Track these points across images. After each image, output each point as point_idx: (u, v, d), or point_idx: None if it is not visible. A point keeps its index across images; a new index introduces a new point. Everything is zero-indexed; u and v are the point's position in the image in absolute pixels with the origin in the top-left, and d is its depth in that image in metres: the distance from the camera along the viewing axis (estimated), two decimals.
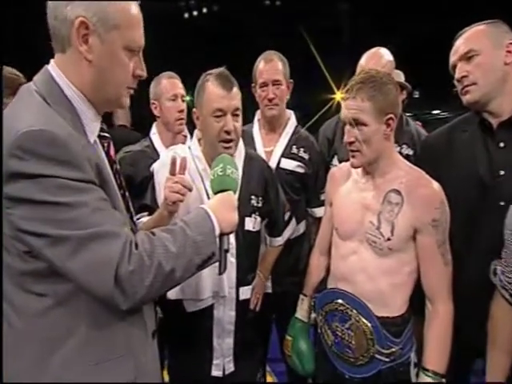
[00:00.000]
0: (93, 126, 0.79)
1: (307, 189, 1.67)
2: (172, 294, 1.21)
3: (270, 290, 1.60)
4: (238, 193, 1.23)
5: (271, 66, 1.57)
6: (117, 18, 0.74)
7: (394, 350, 1.04)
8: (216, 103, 1.14)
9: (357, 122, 1.03)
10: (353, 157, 1.08)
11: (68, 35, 0.72)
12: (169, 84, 1.63)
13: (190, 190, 1.03)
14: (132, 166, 1.51)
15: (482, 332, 1.03)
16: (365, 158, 1.06)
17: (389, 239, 1.03)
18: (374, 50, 1.65)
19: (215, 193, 0.94)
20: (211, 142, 1.19)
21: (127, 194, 0.91)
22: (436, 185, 1.04)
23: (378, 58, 1.60)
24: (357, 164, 1.09)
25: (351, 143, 1.06)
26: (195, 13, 5.72)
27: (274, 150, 1.63)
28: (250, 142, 1.64)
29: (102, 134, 0.84)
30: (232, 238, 1.22)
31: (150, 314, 0.88)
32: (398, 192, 1.05)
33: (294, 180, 1.62)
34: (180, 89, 1.65)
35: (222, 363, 1.27)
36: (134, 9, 0.78)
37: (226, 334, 1.26)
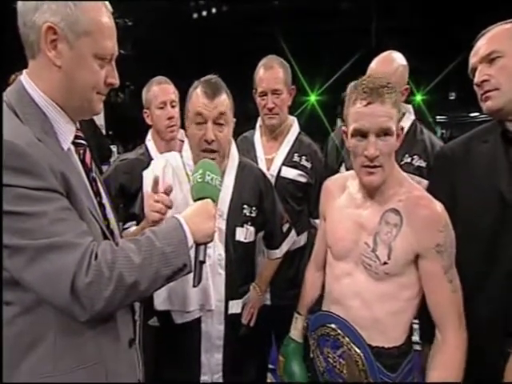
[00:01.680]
0: (66, 134, 0.78)
1: (310, 199, 1.59)
2: (160, 305, 1.18)
3: (268, 302, 1.54)
4: (228, 201, 1.21)
5: (271, 74, 1.51)
6: (87, 24, 0.73)
7: None
8: (197, 108, 1.12)
9: (386, 132, 0.88)
10: (371, 173, 0.92)
11: (37, 41, 0.72)
12: (158, 91, 1.59)
13: (170, 207, 0.98)
14: (127, 175, 1.50)
15: (498, 368, 0.91)
16: (385, 175, 0.92)
17: (385, 263, 0.92)
18: (385, 53, 1.53)
19: (194, 200, 0.90)
20: (195, 151, 1.16)
21: (105, 201, 0.89)
22: (439, 205, 0.92)
23: (390, 62, 1.48)
24: (379, 182, 0.93)
25: (375, 158, 0.90)
26: (204, 13, 5.77)
27: (274, 157, 1.57)
28: (250, 149, 1.61)
29: (78, 141, 0.83)
30: (221, 249, 1.19)
31: (125, 321, 0.85)
32: (396, 212, 0.94)
33: (296, 189, 1.55)
34: (170, 94, 1.60)
35: (211, 379, 1.22)
36: (106, 17, 0.77)
37: (214, 349, 1.21)
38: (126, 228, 1.31)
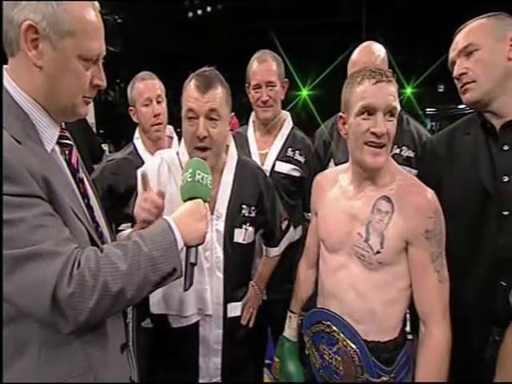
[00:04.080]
0: (49, 134, 0.75)
1: (304, 193, 1.58)
2: (155, 308, 1.16)
3: (264, 297, 1.53)
4: (227, 202, 1.17)
5: (265, 67, 1.50)
6: (70, 24, 0.69)
7: (385, 379, 0.93)
8: (189, 103, 1.07)
9: (391, 112, 0.90)
10: (377, 154, 0.91)
11: (16, 39, 0.69)
12: (142, 87, 1.54)
13: (161, 209, 0.94)
14: (114, 175, 1.47)
15: (483, 356, 0.93)
16: (386, 157, 0.93)
17: (378, 252, 0.92)
18: (365, 44, 1.54)
19: (184, 200, 0.88)
20: (188, 148, 1.13)
21: (93, 202, 0.86)
22: (430, 193, 0.93)
23: (371, 53, 1.50)
24: (382, 163, 0.93)
25: (383, 135, 0.90)
26: (199, 12, 5.73)
27: (268, 152, 1.56)
28: (244, 144, 1.59)
29: (63, 141, 0.80)
30: (220, 251, 1.16)
31: (116, 326, 0.83)
32: (388, 199, 0.94)
33: (290, 184, 1.55)
34: (154, 90, 1.54)
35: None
36: (92, 15, 0.73)
37: (212, 353, 1.18)
38: (121, 230, 1.28)
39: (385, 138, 0.90)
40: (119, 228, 1.31)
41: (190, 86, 1.09)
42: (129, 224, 1.22)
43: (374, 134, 0.90)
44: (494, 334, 0.99)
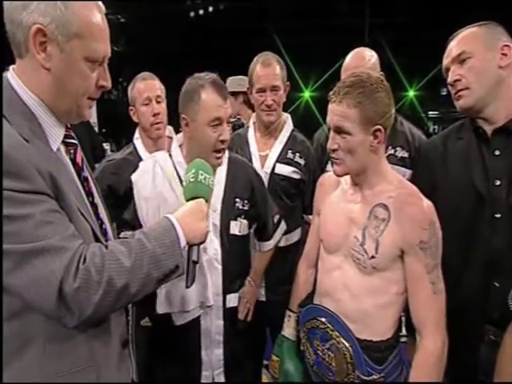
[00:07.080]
0: (55, 133, 0.77)
1: (303, 195, 1.60)
2: (160, 308, 1.19)
3: (263, 298, 1.55)
4: (221, 196, 1.22)
5: (270, 71, 1.51)
6: (78, 26, 0.71)
7: (375, 377, 0.94)
8: (215, 112, 1.11)
9: (340, 130, 0.95)
10: (336, 164, 1.00)
11: (24, 41, 0.71)
12: (142, 87, 1.57)
13: None
14: (114, 175, 1.49)
15: (478, 355, 0.97)
16: (347, 168, 0.98)
17: (373, 257, 0.94)
18: (357, 49, 1.57)
19: (187, 200, 0.90)
20: (203, 151, 1.14)
21: (97, 200, 0.88)
22: (427, 204, 0.94)
23: (361, 59, 1.53)
24: (340, 172, 1.00)
25: (334, 150, 0.98)
26: (201, 12, 5.75)
27: (268, 154, 1.58)
28: (244, 145, 1.61)
29: (68, 140, 0.82)
30: (217, 244, 1.19)
31: (118, 323, 0.85)
32: (385, 207, 0.96)
33: (289, 186, 1.56)
34: (154, 90, 1.56)
35: (212, 375, 1.23)
36: (98, 17, 0.75)
37: (214, 345, 1.22)
38: (121, 238, 1.29)
39: (337, 153, 0.97)
40: (120, 236, 1.32)
41: (210, 95, 1.11)
42: (129, 232, 1.23)
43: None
44: (489, 333, 1.01)
